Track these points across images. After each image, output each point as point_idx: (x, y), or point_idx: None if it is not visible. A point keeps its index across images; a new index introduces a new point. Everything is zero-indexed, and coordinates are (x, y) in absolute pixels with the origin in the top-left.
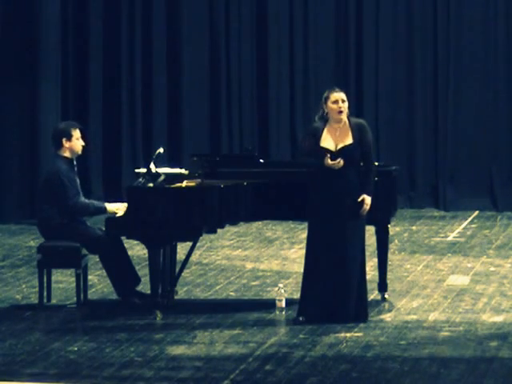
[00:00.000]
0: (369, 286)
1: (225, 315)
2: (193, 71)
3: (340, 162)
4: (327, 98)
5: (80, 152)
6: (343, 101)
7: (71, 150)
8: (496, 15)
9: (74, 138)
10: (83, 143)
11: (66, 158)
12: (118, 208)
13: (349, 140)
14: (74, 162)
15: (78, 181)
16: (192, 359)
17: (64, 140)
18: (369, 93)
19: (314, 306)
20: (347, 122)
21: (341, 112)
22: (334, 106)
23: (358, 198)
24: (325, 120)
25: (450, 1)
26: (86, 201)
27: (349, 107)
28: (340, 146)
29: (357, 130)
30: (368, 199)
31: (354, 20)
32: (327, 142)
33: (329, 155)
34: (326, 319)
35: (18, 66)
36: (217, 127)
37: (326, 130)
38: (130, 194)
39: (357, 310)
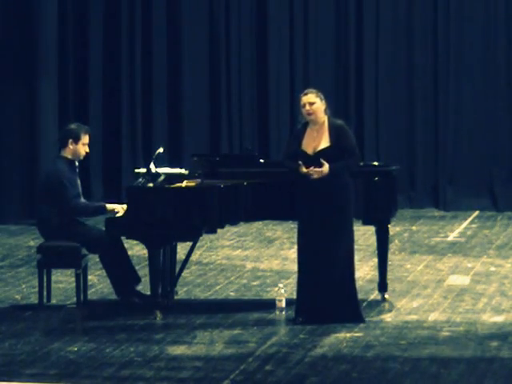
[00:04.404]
0: (369, 286)
1: (225, 315)
2: (193, 71)
3: (314, 170)
4: (299, 102)
5: (82, 158)
6: (310, 103)
7: (74, 153)
8: (496, 14)
9: (80, 143)
10: (88, 150)
11: (67, 158)
12: (118, 208)
13: (326, 143)
14: (76, 164)
15: (79, 182)
16: (192, 359)
17: (70, 141)
18: (369, 93)
19: (307, 306)
20: (326, 123)
21: (309, 114)
22: (303, 110)
23: (342, 198)
24: (307, 121)
25: (451, 1)
26: (86, 202)
27: (328, 107)
28: (317, 149)
29: (334, 133)
30: (325, 167)
31: (354, 20)
32: (306, 145)
33: (300, 163)
34: (320, 319)
35: (16, 66)
36: (217, 127)
37: (306, 132)
38: (130, 193)
39: (348, 311)
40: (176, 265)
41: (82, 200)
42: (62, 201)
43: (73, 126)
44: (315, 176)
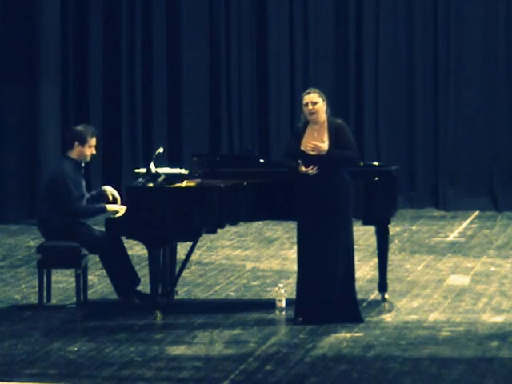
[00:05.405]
0: (369, 286)
1: (225, 315)
2: (193, 71)
3: (313, 169)
4: (301, 100)
5: (88, 159)
6: (313, 103)
7: (79, 155)
8: (497, 15)
9: (87, 145)
10: (94, 152)
11: (73, 159)
12: (118, 208)
13: (325, 142)
14: (82, 165)
15: (83, 183)
16: (192, 359)
17: (76, 143)
18: (369, 92)
19: (307, 306)
20: (326, 122)
21: (311, 114)
22: (305, 109)
23: (341, 198)
24: (307, 121)
25: (451, 1)
26: (87, 204)
27: (329, 106)
28: None
29: (333, 132)
30: (324, 145)
31: (355, 20)
32: (306, 144)
33: (300, 161)
34: (320, 319)
35: (17, 66)
36: (217, 127)
37: (306, 132)
38: (130, 194)
39: (347, 310)
40: (176, 265)
41: (84, 202)
42: (64, 202)
43: (80, 128)
44: (313, 152)
